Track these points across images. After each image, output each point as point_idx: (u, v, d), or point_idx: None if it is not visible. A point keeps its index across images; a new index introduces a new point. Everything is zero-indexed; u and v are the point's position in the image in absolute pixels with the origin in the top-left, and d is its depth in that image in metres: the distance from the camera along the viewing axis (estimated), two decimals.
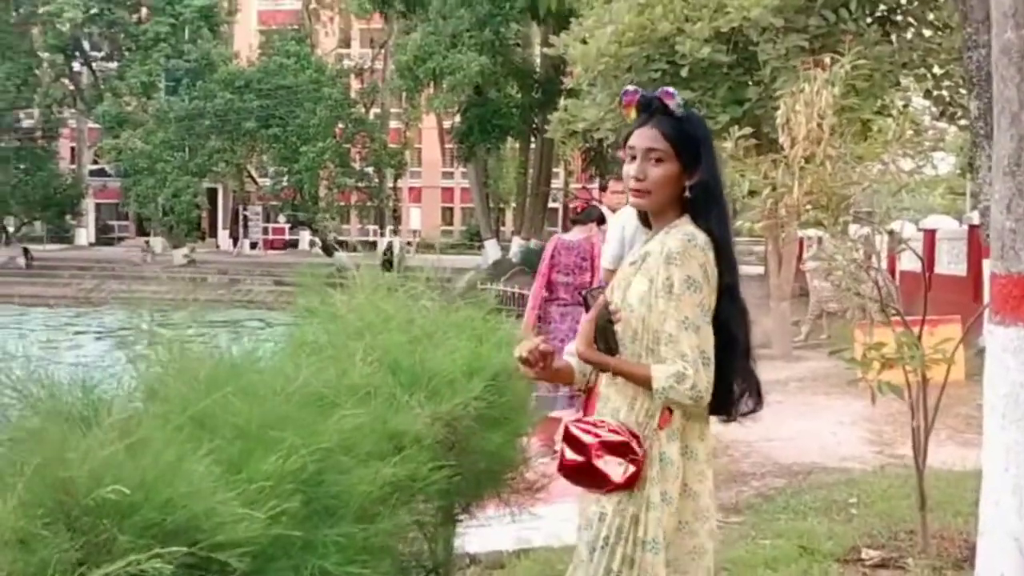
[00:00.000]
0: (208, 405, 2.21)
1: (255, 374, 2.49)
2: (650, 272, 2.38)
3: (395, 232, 44.48)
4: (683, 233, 2.36)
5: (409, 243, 39.74)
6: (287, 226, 45.84)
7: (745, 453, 6.91)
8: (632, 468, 2.30)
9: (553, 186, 40.99)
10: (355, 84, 44.56)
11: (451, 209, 56.26)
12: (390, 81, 35.72)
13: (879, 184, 4.20)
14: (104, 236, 48.49)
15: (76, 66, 43.41)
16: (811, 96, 3.97)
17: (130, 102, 40.37)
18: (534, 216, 35.62)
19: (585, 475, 2.38)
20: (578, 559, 2.47)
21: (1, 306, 30.48)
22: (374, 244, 42.29)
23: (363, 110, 42.71)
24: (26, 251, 39.55)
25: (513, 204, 43.85)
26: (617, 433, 2.33)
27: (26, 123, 44.67)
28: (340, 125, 40.24)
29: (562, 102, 14.53)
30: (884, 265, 4.38)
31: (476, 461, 3.45)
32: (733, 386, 2.46)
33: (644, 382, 2.34)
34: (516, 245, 34.62)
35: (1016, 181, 2.35)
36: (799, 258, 15.51)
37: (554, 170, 39.99)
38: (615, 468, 2.31)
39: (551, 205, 41.39)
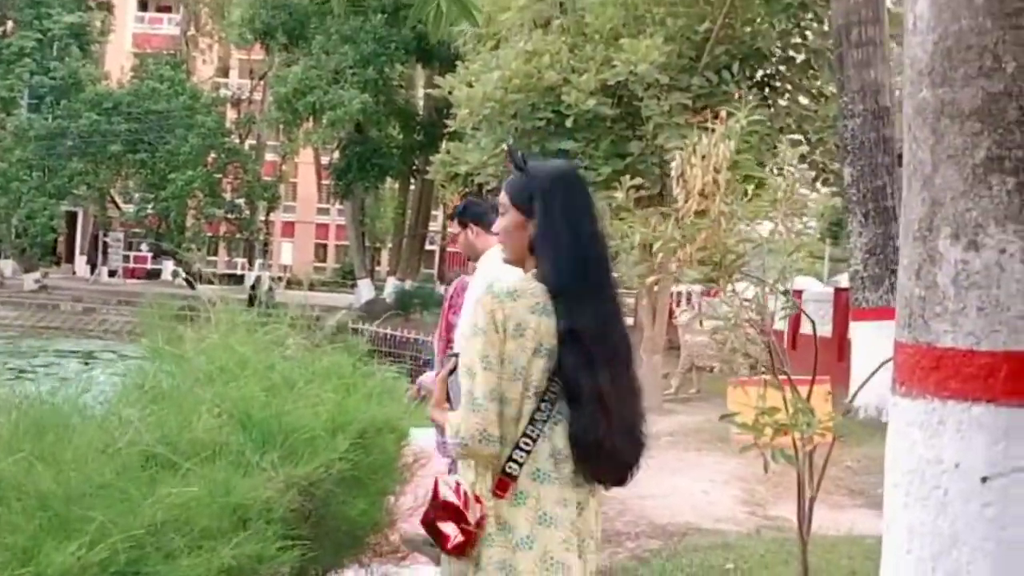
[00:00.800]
0: (5, 468, 1.79)
1: (71, 429, 2.07)
2: None
3: (265, 266, 43.25)
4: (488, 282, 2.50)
5: (279, 278, 38.63)
6: (150, 255, 43.99)
7: (619, 511, 6.69)
8: (461, 537, 2.20)
9: (431, 229, 40.72)
10: (231, 114, 43.44)
11: (325, 246, 55.26)
12: (268, 113, 34.79)
13: (772, 243, 4.08)
14: None
15: None
16: (708, 149, 3.83)
17: None
18: (410, 257, 35.25)
19: (431, 531, 2.32)
20: None
21: None
22: (241, 278, 40.99)
23: (238, 140, 41.62)
24: None
25: (389, 244, 43.29)
26: (456, 495, 2.26)
27: None
28: (212, 154, 38.98)
29: (444, 144, 14.32)
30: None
31: (336, 527, 3.08)
32: (595, 444, 2.26)
33: None
34: (391, 286, 34.11)
35: (927, 247, 2.18)
36: (671, 311, 15.63)
37: (433, 212, 39.78)
38: (452, 530, 2.23)
39: (428, 247, 41.08)
